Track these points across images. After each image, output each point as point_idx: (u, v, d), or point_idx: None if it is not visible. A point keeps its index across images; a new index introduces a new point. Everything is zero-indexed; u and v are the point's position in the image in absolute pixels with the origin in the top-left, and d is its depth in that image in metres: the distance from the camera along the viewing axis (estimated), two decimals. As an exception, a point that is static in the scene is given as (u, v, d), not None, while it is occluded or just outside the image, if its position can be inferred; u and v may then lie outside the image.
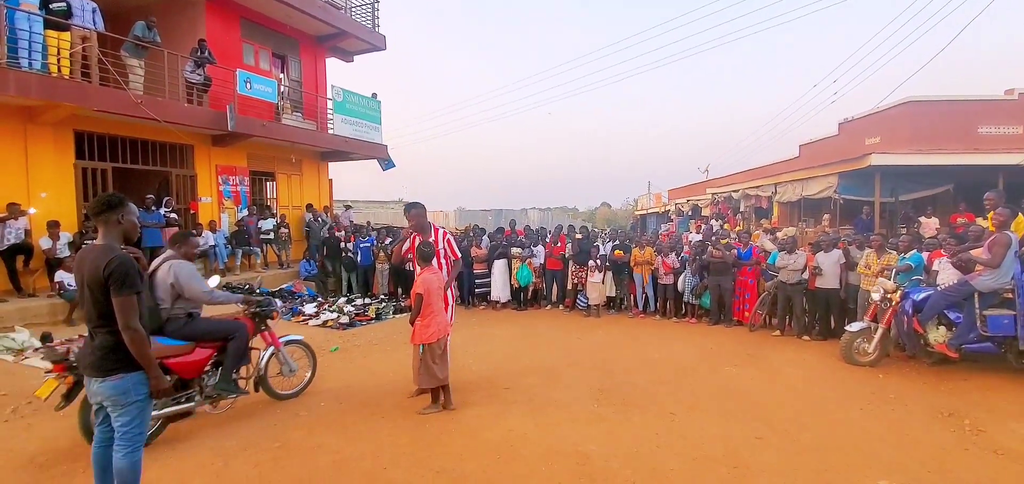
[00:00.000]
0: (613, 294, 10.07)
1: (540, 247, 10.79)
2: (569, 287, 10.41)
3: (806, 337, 7.73)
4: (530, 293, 10.71)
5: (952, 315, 5.83)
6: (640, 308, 9.75)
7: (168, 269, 4.26)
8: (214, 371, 4.41)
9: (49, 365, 3.98)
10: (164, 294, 4.23)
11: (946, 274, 6.23)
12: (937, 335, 5.89)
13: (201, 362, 4.26)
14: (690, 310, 9.34)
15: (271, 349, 5.00)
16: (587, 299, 9.83)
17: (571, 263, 10.28)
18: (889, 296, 6.29)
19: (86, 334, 2.76)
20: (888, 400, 5.16)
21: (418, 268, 4.93)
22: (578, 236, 10.71)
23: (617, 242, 10.68)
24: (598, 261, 9.73)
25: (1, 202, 8.13)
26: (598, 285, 9.70)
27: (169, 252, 4.51)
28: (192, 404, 4.23)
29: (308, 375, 5.37)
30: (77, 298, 7.78)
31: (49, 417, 4.66)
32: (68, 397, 3.80)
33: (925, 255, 7.00)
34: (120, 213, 2.76)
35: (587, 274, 9.80)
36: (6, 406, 4.89)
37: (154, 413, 3.92)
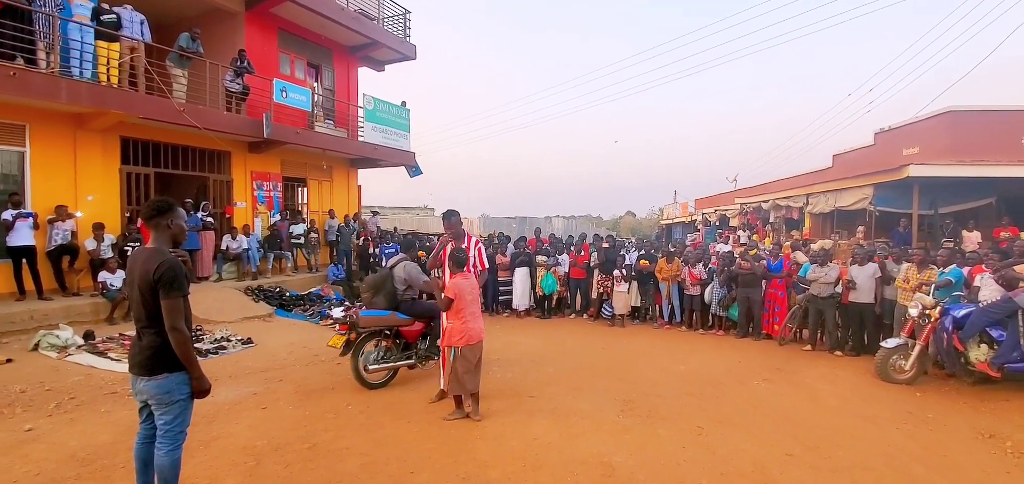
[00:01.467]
0: (638, 304, 9.99)
1: (565, 256, 10.79)
2: (594, 296, 10.36)
3: (838, 353, 7.52)
4: (554, 302, 10.70)
5: (994, 333, 5.61)
6: (665, 319, 9.65)
7: (402, 267, 6.06)
8: (424, 339, 6.05)
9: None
10: (400, 284, 5.97)
11: (988, 290, 6.00)
12: (978, 353, 5.68)
13: (418, 331, 5.97)
14: (717, 322, 9.20)
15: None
16: (612, 308, 9.77)
17: (597, 272, 10.24)
18: (928, 312, 6.09)
19: (133, 333, 2.88)
20: (926, 420, 4.99)
21: (449, 274, 5.02)
22: (605, 245, 10.66)
23: (643, 252, 10.60)
24: (624, 270, 9.67)
25: (50, 204, 8.52)
26: (624, 295, 9.64)
27: (402, 255, 6.37)
28: (412, 360, 5.96)
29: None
30: (118, 298, 8.17)
31: (91, 412, 4.88)
32: (346, 348, 5.52)
33: (965, 270, 6.75)
34: (170, 218, 2.87)
35: (613, 283, 9.74)
36: (50, 401, 5.11)
37: (390, 363, 5.80)
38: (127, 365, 5.56)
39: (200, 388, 2.86)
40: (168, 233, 2.87)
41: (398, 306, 5.91)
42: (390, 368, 5.80)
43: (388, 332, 5.77)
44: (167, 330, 2.69)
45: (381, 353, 5.77)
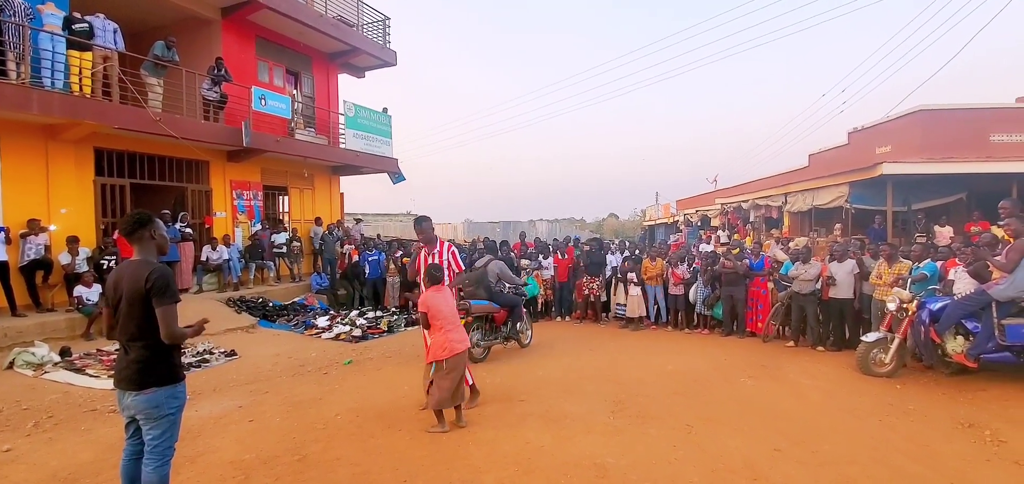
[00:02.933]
0: (620, 301, 10.03)
1: (549, 260, 10.82)
2: (580, 298, 10.40)
3: (821, 348, 7.68)
4: (540, 305, 10.72)
5: (970, 325, 5.78)
6: (652, 319, 9.73)
7: (494, 265, 7.72)
8: (506, 325, 7.56)
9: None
10: (493, 279, 7.52)
11: (962, 283, 6.18)
12: (955, 345, 5.84)
13: (504, 317, 7.52)
14: (702, 321, 9.31)
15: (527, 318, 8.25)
16: (624, 311, 9.72)
17: (585, 275, 10.27)
18: (905, 306, 6.25)
19: (113, 348, 2.83)
20: (907, 411, 5.12)
21: (424, 288, 5.02)
22: (585, 247, 10.72)
23: (627, 254, 10.69)
24: (636, 275, 9.58)
25: (23, 218, 8.28)
26: (637, 298, 9.53)
27: (489, 257, 8.15)
28: (499, 340, 7.52)
29: (530, 334, 8.20)
30: (95, 313, 7.97)
31: (71, 431, 4.75)
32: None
33: (940, 264, 6.95)
34: (151, 229, 2.86)
35: (627, 287, 9.64)
36: (28, 420, 4.97)
37: (489, 341, 7.29)
38: (109, 381, 5.46)
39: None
40: (152, 244, 2.87)
41: (493, 297, 7.35)
42: (488, 346, 7.31)
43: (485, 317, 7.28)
44: (165, 338, 2.69)
45: (483, 334, 7.24)
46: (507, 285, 7.80)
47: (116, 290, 2.78)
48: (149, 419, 2.76)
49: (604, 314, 10.44)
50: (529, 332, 8.23)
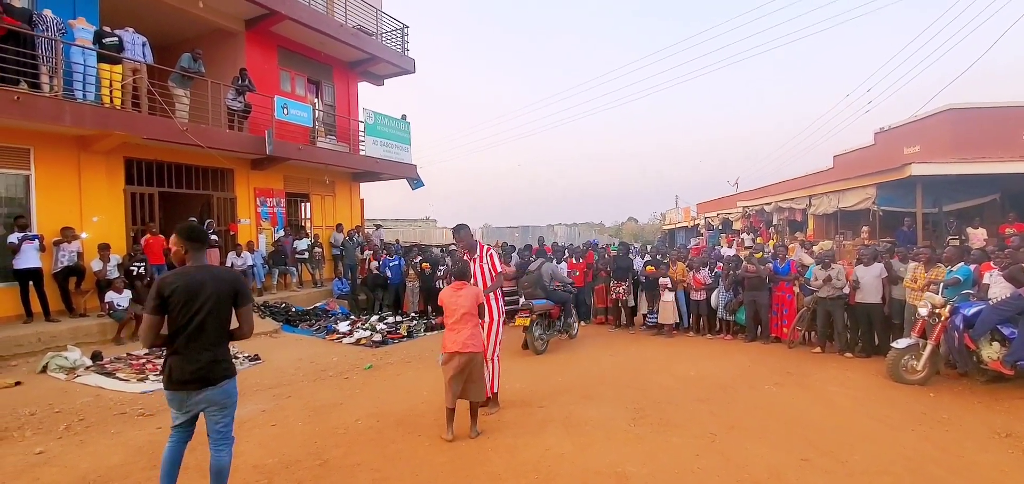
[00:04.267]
0: (646, 311, 9.93)
1: (563, 265, 10.76)
2: (599, 303, 10.32)
3: (849, 354, 7.48)
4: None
5: (1006, 330, 5.58)
6: (687, 325, 9.57)
7: (547, 267, 8.65)
8: (560, 319, 8.60)
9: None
10: (547, 279, 8.42)
11: (998, 287, 5.97)
12: (991, 352, 5.64)
13: (558, 312, 8.56)
14: (725, 326, 9.16)
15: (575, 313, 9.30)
16: (657, 318, 9.57)
17: (610, 279, 10.18)
18: (937, 311, 6.06)
19: (177, 353, 2.96)
20: (940, 420, 4.95)
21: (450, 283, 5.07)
22: (615, 252, 10.67)
23: (648, 259, 10.58)
24: (670, 280, 9.39)
25: (56, 226, 8.55)
26: (670, 305, 9.34)
27: (541, 260, 8.95)
28: (555, 333, 8.46)
29: (577, 327, 9.11)
30: (125, 318, 8.17)
31: (101, 434, 4.86)
32: (527, 329, 7.92)
33: (973, 267, 6.72)
34: (208, 240, 3.33)
35: (660, 293, 9.47)
36: (60, 423, 5.09)
37: (546, 335, 8.22)
38: (139, 384, 5.64)
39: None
40: (204, 254, 3.15)
41: (549, 295, 8.32)
42: (547, 339, 8.22)
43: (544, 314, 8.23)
44: (248, 335, 3.19)
45: (543, 328, 8.16)
46: (558, 284, 8.74)
47: (193, 296, 2.94)
48: (222, 409, 3.08)
49: (629, 320, 10.27)
50: (576, 325, 9.18)
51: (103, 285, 8.68)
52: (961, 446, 4.37)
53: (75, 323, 8.26)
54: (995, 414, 5.09)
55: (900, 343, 6.30)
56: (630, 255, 10.75)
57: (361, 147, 14.58)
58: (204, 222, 11.03)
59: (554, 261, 10.80)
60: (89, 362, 6.97)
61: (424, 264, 11.48)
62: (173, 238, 3.12)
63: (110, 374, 6.65)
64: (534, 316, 7.95)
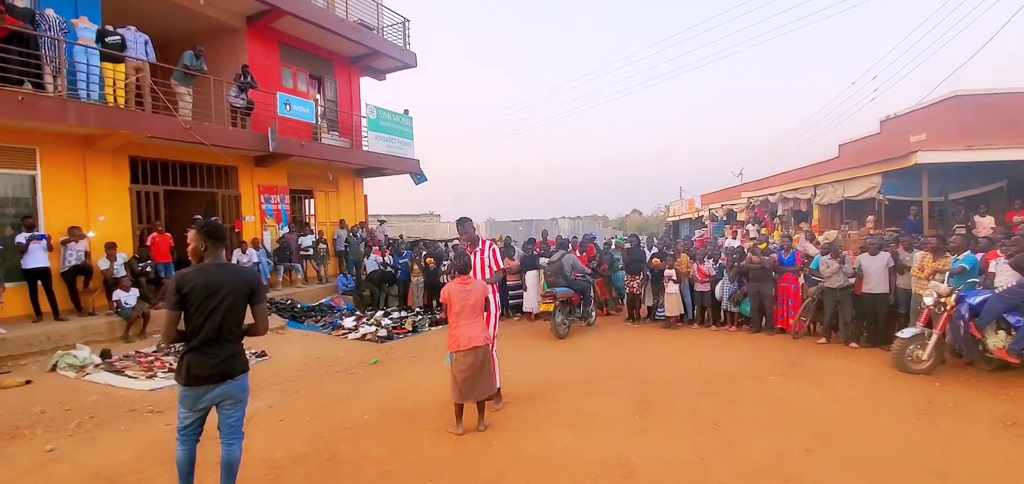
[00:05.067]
0: (651, 303, 9.92)
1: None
2: (603, 296, 10.30)
3: (854, 344, 7.46)
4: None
5: (1012, 319, 5.55)
6: (692, 317, 9.55)
7: (568, 258, 9.23)
8: (580, 307, 9.18)
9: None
10: (568, 269, 9.06)
11: (1004, 276, 5.93)
12: (996, 340, 5.62)
13: (579, 300, 9.11)
14: (729, 318, 9.15)
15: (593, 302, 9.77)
16: (664, 312, 9.53)
17: (624, 274, 10.14)
18: (943, 300, 6.03)
19: (195, 349, 3.00)
20: (946, 409, 4.95)
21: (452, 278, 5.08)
22: (627, 245, 10.64)
23: (654, 251, 10.56)
24: (675, 273, 9.32)
25: (63, 226, 8.61)
26: (675, 297, 9.30)
27: (562, 251, 9.60)
28: (576, 319, 9.09)
29: (594, 315, 9.63)
30: (133, 316, 8.24)
31: (111, 431, 4.92)
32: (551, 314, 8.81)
33: (980, 256, 6.68)
34: (225, 237, 3.39)
35: (664, 286, 9.42)
36: (70, 420, 5.15)
37: (571, 320, 8.93)
38: (148, 381, 5.72)
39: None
40: (222, 252, 3.22)
41: (570, 284, 8.95)
42: (569, 324, 8.81)
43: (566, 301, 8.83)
44: (263, 332, 3.26)
45: (565, 315, 8.77)
46: (577, 274, 9.27)
47: (212, 292, 2.99)
48: (238, 402, 3.16)
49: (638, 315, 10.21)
50: (594, 314, 9.69)
51: (110, 284, 8.74)
52: (966, 435, 4.37)
53: (84, 322, 8.33)
54: (1001, 403, 5.08)
55: (905, 333, 6.28)
56: (640, 247, 10.65)
57: (364, 142, 14.58)
58: (209, 220, 11.07)
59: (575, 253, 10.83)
60: (98, 360, 7.03)
61: (428, 259, 11.51)
62: (191, 234, 3.16)
63: (119, 372, 6.72)
64: (557, 303, 8.61)
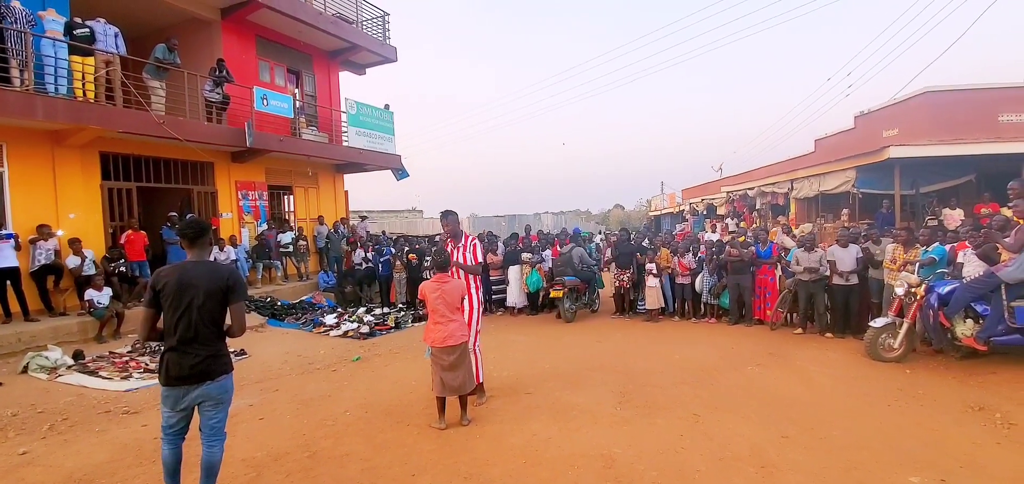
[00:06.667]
0: (634, 296, 10.00)
1: (548, 252, 10.80)
2: (613, 291, 10.29)
3: (829, 334, 7.64)
4: (544, 298, 10.66)
5: (979, 308, 5.74)
6: (672, 311, 9.66)
7: (577, 251, 9.90)
8: (586, 294, 10.01)
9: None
10: (577, 260, 9.74)
11: (971, 266, 6.12)
12: (965, 328, 5.80)
13: (585, 288, 9.93)
14: (709, 310, 9.28)
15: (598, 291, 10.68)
16: (645, 304, 9.61)
17: (613, 266, 10.19)
18: (913, 290, 6.21)
19: (173, 348, 2.96)
20: (916, 396, 5.10)
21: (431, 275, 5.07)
22: (614, 238, 10.72)
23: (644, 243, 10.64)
24: (655, 266, 9.44)
25: (32, 224, 8.36)
26: (656, 290, 9.40)
27: (573, 244, 10.24)
28: (582, 306, 9.96)
29: (598, 302, 10.53)
30: (106, 316, 8.05)
31: (86, 433, 4.81)
32: (559, 301, 9.61)
33: (949, 247, 6.89)
34: (210, 235, 3.19)
35: (645, 279, 9.53)
36: (43, 423, 5.02)
37: (578, 307, 9.79)
38: (123, 382, 5.57)
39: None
40: (208, 249, 3.15)
41: (578, 274, 9.67)
42: (575, 310, 9.64)
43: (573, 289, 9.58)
44: (239, 332, 3.09)
45: (572, 301, 9.60)
46: (584, 266, 9.91)
47: (183, 290, 2.94)
48: (218, 404, 3.08)
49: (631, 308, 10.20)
50: (598, 301, 10.52)
51: (82, 282, 8.53)
52: (936, 420, 4.51)
53: (55, 322, 8.11)
54: (969, 389, 5.25)
55: (877, 322, 6.45)
56: (630, 241, 10.72)
57: (344, 138, 14.39)
58: (185, 217, 10.86)
59: (543, 252, 10.89)
60: (71, 361, 6.86)
61: (411, 255, 11.45)
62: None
63: (93, 373, 6.56)
64: (565, 290, 9.41)
